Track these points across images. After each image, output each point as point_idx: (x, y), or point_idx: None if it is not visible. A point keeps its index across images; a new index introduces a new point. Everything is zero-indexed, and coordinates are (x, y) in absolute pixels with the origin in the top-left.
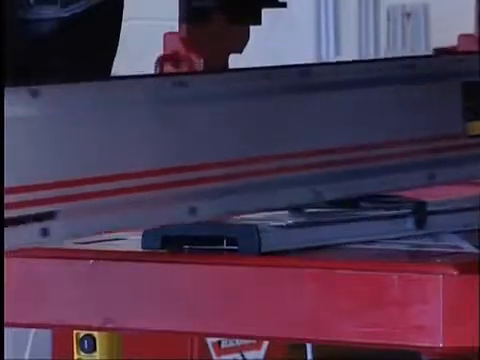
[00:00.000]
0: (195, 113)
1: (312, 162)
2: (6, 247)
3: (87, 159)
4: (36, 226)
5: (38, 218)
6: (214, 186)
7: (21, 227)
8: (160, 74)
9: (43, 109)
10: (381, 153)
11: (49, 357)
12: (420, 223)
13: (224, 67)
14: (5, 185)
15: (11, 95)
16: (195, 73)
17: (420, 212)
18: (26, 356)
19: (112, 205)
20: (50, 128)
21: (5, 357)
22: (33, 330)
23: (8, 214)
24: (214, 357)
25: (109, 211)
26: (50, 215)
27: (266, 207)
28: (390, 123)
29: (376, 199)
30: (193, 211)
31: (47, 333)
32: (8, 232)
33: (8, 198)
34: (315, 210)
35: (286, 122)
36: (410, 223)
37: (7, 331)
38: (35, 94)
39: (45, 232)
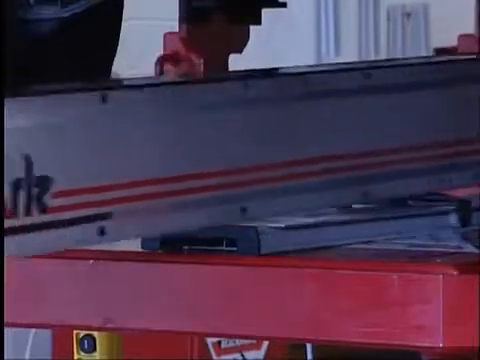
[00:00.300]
0: (249, 117)
1: (359, 163)
2: (65, 247)
3: (144, 162)
4: (94, 225)
5: (96, 218)
6: (265, 187)
7: (80, 227)
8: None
9: (109, 114)
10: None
11: (49, 357)
12: (465, 221)
13: (224, 67)
14: (62, 188)
15: (81, 100)
16: (255, 76)
17: (465, 210)
18: (26, 356)
19: (166, 206)
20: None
21: (5, 357)
22: (33, 330)
23: (68, 216)
24: (214, 357)
25: (163, 212)
26: (106, 216)
27: (313, 207)
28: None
29: (421, 198)
30: (244, 211)
31: (47, 333)
32: (68, 232)
33: (68, 200)
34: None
35: (332, 125)
36: (454, 220)
37: (7, 331)
38: (104, 99)
39: (102, 231)
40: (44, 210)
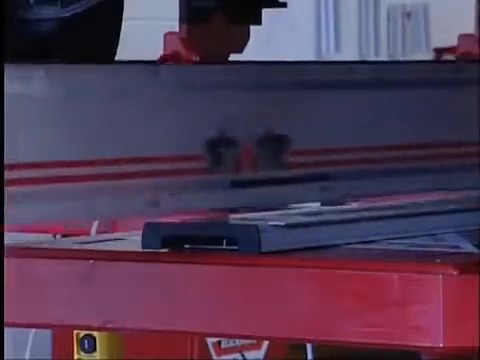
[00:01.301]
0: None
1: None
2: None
3: None
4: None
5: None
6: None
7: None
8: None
9: None
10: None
11: (49, 357)
12: None
13: None
14: None
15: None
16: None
17: None
18: (26, 356)
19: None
20: None
21: (5, 357)
22: (33, 330)
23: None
24: (214, 357)
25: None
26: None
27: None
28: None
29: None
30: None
31: (47, 333)
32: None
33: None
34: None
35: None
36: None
37: (7, 331)
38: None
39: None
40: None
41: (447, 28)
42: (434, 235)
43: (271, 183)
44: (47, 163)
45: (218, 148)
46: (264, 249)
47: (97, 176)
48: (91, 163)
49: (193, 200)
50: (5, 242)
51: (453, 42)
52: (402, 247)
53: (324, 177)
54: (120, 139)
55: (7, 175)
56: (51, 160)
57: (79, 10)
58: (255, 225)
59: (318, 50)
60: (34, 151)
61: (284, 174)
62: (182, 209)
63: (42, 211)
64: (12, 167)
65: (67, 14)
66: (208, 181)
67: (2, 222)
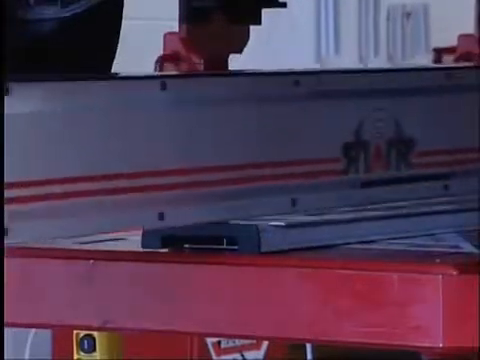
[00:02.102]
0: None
1: None
2: None
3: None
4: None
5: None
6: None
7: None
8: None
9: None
10: None
11: (49, 357)
12: None
13: (224, 67)
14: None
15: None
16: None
17: None
18: (26, 356)
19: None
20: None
21: (5, 357)
22: (33, 330)
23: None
24: (214, 357)
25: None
26: None
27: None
28: None
29: None
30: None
31: (47, 333)
32: None
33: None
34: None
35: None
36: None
37: (7, 331)
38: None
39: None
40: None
41: (447, 28)
42: (434, 235)
43: (397, 182)
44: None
45: (352, 150)
46: (264, 249)
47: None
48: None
49: (328, 199)
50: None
51: (453, 42)
52: (402, 247)
53: (446, 176)
54: (261, 144)
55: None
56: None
57: (79, 10)
58: (255, 225)
59: (318, 50)
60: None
61: (409, 173)
62: (319, 207)
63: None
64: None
65: (67, 14)
66: (341, 181)
67: (2, 222)
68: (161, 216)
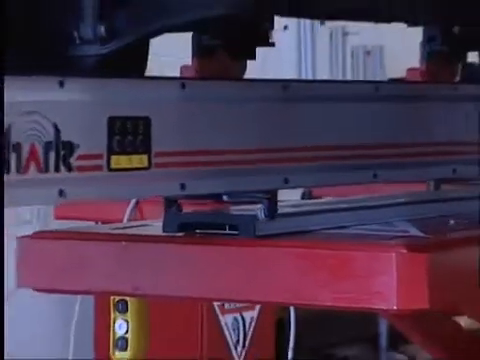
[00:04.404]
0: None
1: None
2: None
3: None
4: None
5: None
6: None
7: None
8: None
9: None
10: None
11: (92, 318)
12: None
13: None
14: None
15: None
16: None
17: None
18: (75, 317)
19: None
20: None
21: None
22: (79, 297)
23: None
24: (220, 317)
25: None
26: None
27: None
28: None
29: None
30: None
31: (91, 299)
32: None
33: None
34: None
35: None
36: None
37: (55, 302)
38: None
39: None
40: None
41: (399, 63)
42: (390, 223)
43: None
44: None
45: None
46: (259, 233)
47: None
48: None
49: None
50: (61, 227)
51: (403, 74)
52: (366, 232)
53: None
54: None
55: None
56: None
57: (114, 48)
58: (252, 214)
59: (299, 76)
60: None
61: None
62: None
63: None
64: None
65: (105, 51)
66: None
67: (2, 222)
68: (183, 186)
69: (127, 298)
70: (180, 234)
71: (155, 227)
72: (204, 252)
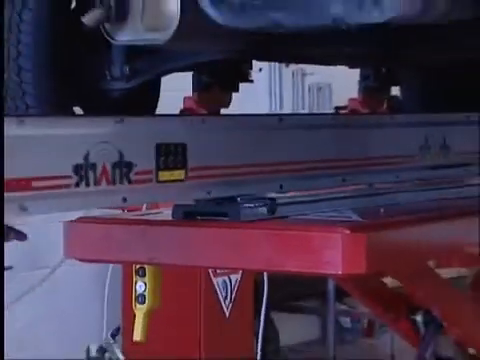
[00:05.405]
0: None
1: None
2: None
3: None
4: None
5: None
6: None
7: None
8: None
9: None
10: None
11: (120, 281)
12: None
13: (218, 115)
14: None
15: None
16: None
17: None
18: (107, 281)
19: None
20: None
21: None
22: (111, 266)
23: None
24: (212, 278)
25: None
26: None
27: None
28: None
29: None
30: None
31: (119, 267)
32: None
33: None
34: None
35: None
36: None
37: (93, 269)
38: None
39: None
40: None
41: (342, 95)
42: (338, 211)
43: None
44: None
45: None
46: (243, 219)
47: None
48: None
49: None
50: (96, 214)
51: (345, 103)
52: (321, 218)
53: None
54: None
55: None
56: None
57: (135, 84)
58: (238, 204)
59: (270, 107)
60: None
61: None
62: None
63: None
64: None
65: (128, 85)
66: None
67: (2, 223)
68: (209, 192)
69: (145, 266)
70: (184, 219)
71: (166, 214)
72: (202, 232)
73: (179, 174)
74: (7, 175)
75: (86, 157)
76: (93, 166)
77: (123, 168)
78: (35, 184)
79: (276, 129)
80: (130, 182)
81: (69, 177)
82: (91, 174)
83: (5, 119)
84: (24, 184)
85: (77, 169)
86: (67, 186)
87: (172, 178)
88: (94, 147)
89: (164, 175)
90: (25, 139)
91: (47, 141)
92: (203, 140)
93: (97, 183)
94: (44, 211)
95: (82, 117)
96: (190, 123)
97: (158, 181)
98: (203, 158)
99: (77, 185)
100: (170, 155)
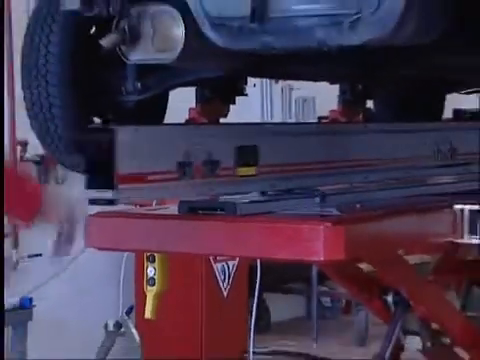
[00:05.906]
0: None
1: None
2: None
3: None
4: None
5: None
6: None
7: None
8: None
9: None
10: None
11: (133, 266)
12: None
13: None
14: None
15: None
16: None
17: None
18: (123, 265)
19: None
20: None
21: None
22: (125, 254)
23: None
24: (213, 265)
25: None
26: None
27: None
28: None
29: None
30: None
31: (132, 254)
32: None
33: None
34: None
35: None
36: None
37: (107, 257)
38: None
39: None
40: None
41: (324, 107)
42: (321, 206)
43: None
44: None
45: None
46: (239, 213)
47: None
48: None
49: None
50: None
51: (327, 113)
52: (305, 212)
53: None
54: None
55: None
56: None
57: (147, 96)
58: (234, 201)
59: (261, 117)
60: None
61: None
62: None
63: None
64: None
65: (141, 97)
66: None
67: (2, 223)
68: (272, 185)
69: (155, 253)
70: (189, 214)
71: (173, 209)
72: (204, 225)
73: (252, 170)
74: (124, 171)
75: (186, 156)
76: (190, 164)
77: (210, 165)
78: (150, 178)
79: (314, 134)
80: (217, 176)
81: (174, 172)
82: (188, 170)
83: (123, 128)
84: (141, 178)
85: (179, 166)
86: (175, 179)
87: (248, 173)
88: (190, 149)
89: (241, 171)
90: (140, 143)
91: (156, 144)
92: (270, 143)
93: (192, 177)
94: (156, 198)
95: (180, 125)
96: (260, 130)
97: (237, 175)
98: (270, 157)
99: (179, 178)
100: (246, 155)
